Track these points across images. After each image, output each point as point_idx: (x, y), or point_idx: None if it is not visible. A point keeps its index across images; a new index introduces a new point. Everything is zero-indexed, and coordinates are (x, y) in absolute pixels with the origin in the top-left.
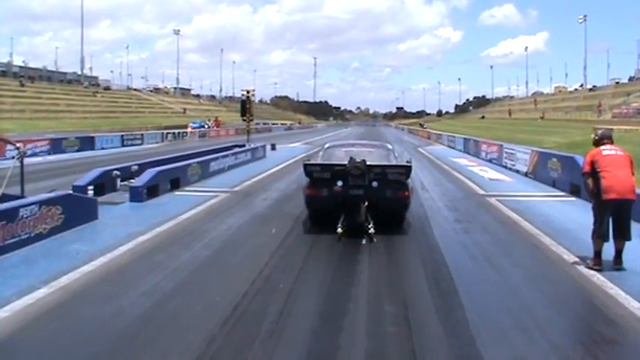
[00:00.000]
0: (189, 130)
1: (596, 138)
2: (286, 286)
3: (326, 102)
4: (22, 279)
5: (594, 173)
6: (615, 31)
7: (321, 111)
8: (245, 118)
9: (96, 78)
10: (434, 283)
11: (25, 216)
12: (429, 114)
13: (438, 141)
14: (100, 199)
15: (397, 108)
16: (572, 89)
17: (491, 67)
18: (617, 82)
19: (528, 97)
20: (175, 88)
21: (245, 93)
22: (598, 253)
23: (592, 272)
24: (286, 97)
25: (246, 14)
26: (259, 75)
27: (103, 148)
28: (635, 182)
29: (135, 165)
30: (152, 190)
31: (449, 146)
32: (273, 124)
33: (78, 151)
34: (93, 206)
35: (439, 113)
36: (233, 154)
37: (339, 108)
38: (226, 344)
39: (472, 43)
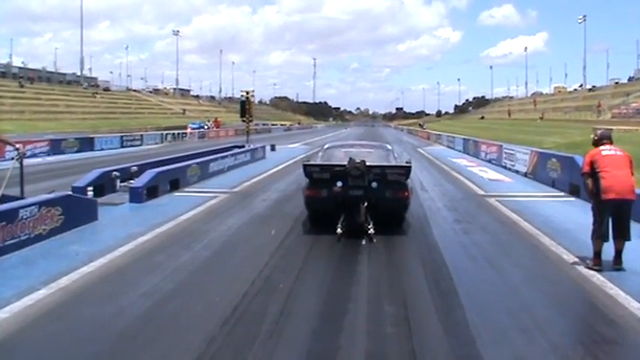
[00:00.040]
0: (188, 130)
1: (596, 138)
2: (286, 286)
3: (325, 103)
4: (21, 280)
5: (594, 173)
6: (615, 31)
7: (320, 112)
8: (244, 118)
9: (95, 79)
10: (434, 284)
11: (24, 217)
12: (429, 114)
13: (437, 141)
14: (99, 200)
15: (396, 108)
16: (571, 89)
17: (491, 67)
18: (617, 83)
19: (528, 98)
20: (175, 88)
21: (244, 94)
22: (598, 254)
23: (592, 272)
24: (286, 98)
25: (245, 15)
26: (259, 76)
27: (102, 149)
28: (634, 182)
29: (134, 166)
30: (152, 191)
31: (448, 147)
32: (273, 124)
33: (77, 152)
34: (92, 207)
35: (438, 114)
36: (232, 154)
37: (338, 109)
38: (226, 344)
39: (471, 43)
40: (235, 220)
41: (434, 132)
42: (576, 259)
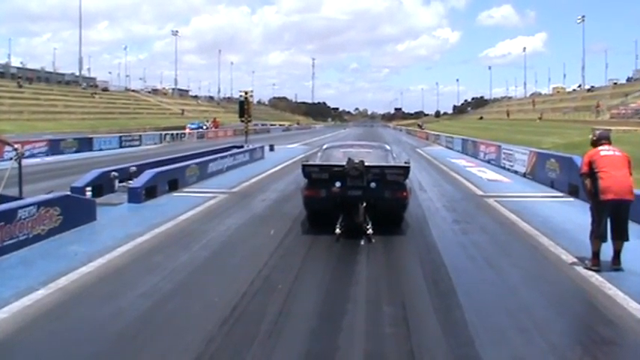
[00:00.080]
0: (187, 131)
1: (594, 139)
2: (285, 286)
3: (324, 103)
4: (20, 280)
5: (592, 174)
6: (613, 31)
7: (319, 112)
8: (243, 119)
9: (94, 79)
10: (432, 284)
11: (23, 217)
12: (427, 115)
13: (436, 142)
14: (98, 200)
15: (395, 109)
16: (570, 90)
17: (490, 67)
18: (615, 83)
19: (526, 98)
20: (173, 89)
21: (243, 94)
22: (596, 254)
23: (590, 273)
24: (284, 98)
25: (244, 15)
26: (257, 76)
27: (101, 149)
28: (632, 183)
29: (133, 166)
30: (150, 191)
31: (447, 147)
32: (272, 125)
33: (76, 152)
34: (91, 207)
35: (437, 114)
36: (231, 155)
37: (337, 109)
38: (225, 344)
39: (470, 43)
40: (234, 221)
41: (433, 132)
42: (575, 260)
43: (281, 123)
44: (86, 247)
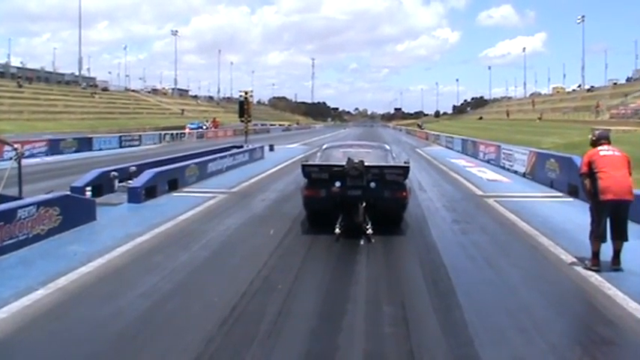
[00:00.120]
0: (187, 131)
1: (594, 139)
2: (285, 286)
3: (324, 103)
4: (20, 280)
5: (591, 174)
6: (613, 31)
7: (319, 112)
8: (243, 119)
9: (94, 79)
10: (432, 284)
11: (22, 217)
12: (427, 115)
13: (435, 142)
14: (98, 200)
15: (395, 109)
16: (570, 90)
17: (489, 67)
18: (615, 83)
19: (526, 98)
20: (173, 89)
21: (243, 94)
22: (596, 254)
23: (590, 273)
24: (284, 98)
25: (244, 15)
26: (257, 76)
27: (101, 149)
28: (632, 183)
29: (133, 166)
30: (150, 191)
31: (447, 147)
32: (271, 125)
33: (76, 152)
34: (91, 207)
35: (437, 114)
36: (231, 155)
37: (337, 109)
38: (225, 344)
39: (470, 43)
40: (234, 220)
41: (432, 132)
42: (575, 260)
43: (281, 123)
44: (86, 247)
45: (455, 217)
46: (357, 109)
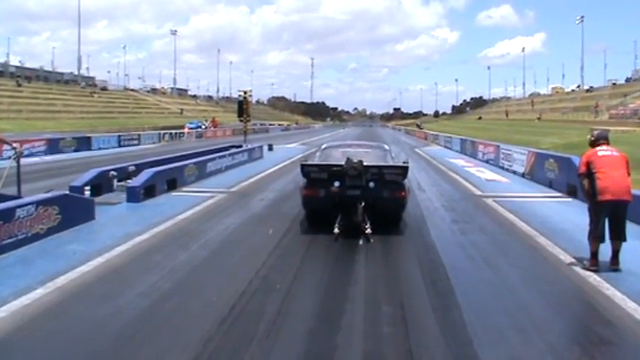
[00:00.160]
0: (186, 130)
1: (593, 139)
2: (283, 286)
3: (323, 103)
4: (19, 279)
5: (590, 174)
6: (612, 31)
7: (318, 112)
8: (242, 118)
9: (93, 78)
10: (431, 284)
11: (21, 216)
12: (426, 115)
13: (434, 142)
14: (97, 199)
15: (394, 109)
16: (569, 90)
17: (489, 67)
18: (614, 83)
19: (525, 98)
20: (172, 88)
21: (242, 93)
22: (594, 254)
23: (588, 273)
24: (283, 98)
25: (243, 15)
26: (256, 75)
27: (100, 149)
28: (630, 183)
29: (132, 165)
30: (149, 191)
31: (446, 147)
32: (270, 124)
33: (75, 151)
34: (90, 206)
35: (436, 114)
36: (230, 154)
37: (336, 109)
38: (223, 344)
39: (469, 43)
40: (233, 220)
41: (431, 132)
42: (573, 260)
43: (280, 123)
44: (85, 246)
45: (454, 217)
46: (356, 108)
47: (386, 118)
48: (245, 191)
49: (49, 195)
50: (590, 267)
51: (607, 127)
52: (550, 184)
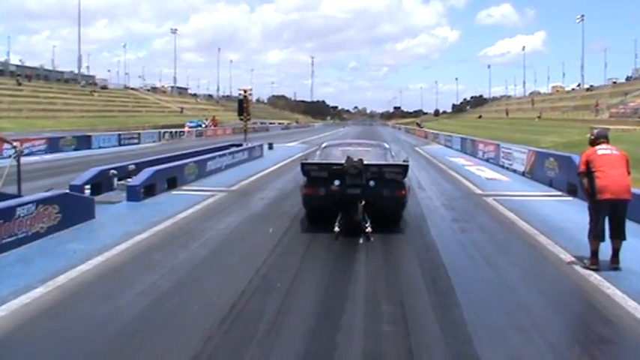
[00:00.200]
0: (186, 129)
1: (592, 138)
2: (284, 284)
3: (323, 101)
4: (19, 278)
5: (589, 173)
6: (613, 30)
7: (318, 110)
8: (242, 117)
9: (93, 77)
10: (431, 282)
11: (21, 215)
12: (426, 113)
13: (435, 140)
14: (97, 198)
15: (394, 107)
16: (569, 89)
17: (489, 66)
18: (615, 82)
19: (526, 97)
20: (173, 87)
21: (242, 92)
22: (595, 253)
23: (589, 272)
24: (283, 97)
25: (243, 13)
26: (256, 74)
27: (100, 147)
28: (630, 182)
29: (132, 164)
30: (149, 190)
31: (446, 146)
32: (271, 123)
33: (75, 150)
34: (90, 205)
35: (436, 113)
36: (230, 153)
37: (336, 107)
38: (223, 343)
39: (469, 42)
40: (233, 219)
41: (432, 131)
42: (573, 259)
43: (280, 121)
44: (85, 245)
45: (454, 215)
46: (356, 107)
47: (386, 116)
48: (245, 190)
49: (49, 194)
50: (590, 266)
51: (607, 126)
52: (550, 183)
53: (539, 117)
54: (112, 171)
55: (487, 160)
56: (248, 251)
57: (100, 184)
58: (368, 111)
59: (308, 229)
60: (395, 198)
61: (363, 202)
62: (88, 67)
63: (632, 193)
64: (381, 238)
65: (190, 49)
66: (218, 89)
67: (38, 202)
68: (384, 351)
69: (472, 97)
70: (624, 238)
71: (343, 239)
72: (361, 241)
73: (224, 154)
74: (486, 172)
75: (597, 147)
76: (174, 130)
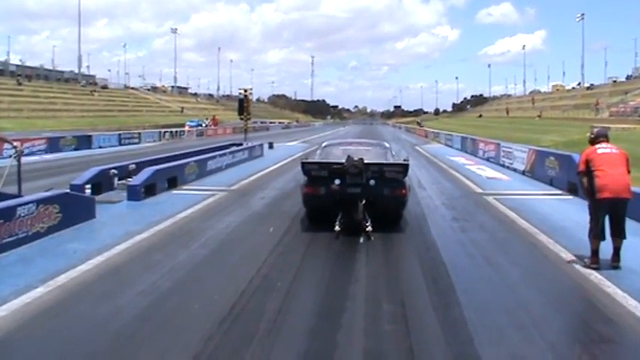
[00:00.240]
0: (186, 128)
1: (592, 136)
2: (284, 284)
3: (323, 101)
4: (19, 278)
5: (589, 172)
6: (613, 29)
7: (318, 110)
8: (242, 116)
9: (93, 77)
10: (431, 282)
11: (22, 215)
12: (427, 112)
13: (435, 139)
14: (97, 197)
15: (395, 106)
16: (569, 88)
17: (489, 65)
18: (615, 81)
19: (526, 96)
20: (173, 86)
21: (242, 92)
22: (595, 252)
23: (589, 271)
24: (284, 96)
25: (243, 13)
26: (257, 74)
27: (100, 147)
28: (630, 181)
29: (132, 164)
30: (149, 189)
31: (446, 145)
32: (271, 122)
33: (75, 149)
34: (90, 205)
35: (437, 112)
36: (230, 152)
37: (336, 106)
38: (224, 343)
39: (470, 41)
40: (233, 218)
41: (432, 130)
42: (574, 257)
43: (280, 121)
44: (85, 245)
45: (454, 214)
46: (356, 106)
47: (386, 115)
48: (245, 189)
49: (49, 194)
50: (590, 265)
51: (607, 125)
52: (551, 182)
53: (539, 116)
54: (113, 170)
55: (487, 159)
56: (248, 251)
57: (101, 183)
58: (368, 110)
59: (308, 228)
60: (395, 197)
61: (364, 202)
62: (88, 67)
63: (633, 192)
64: (382, 237)
65: (190, 48)
66: (218, 89)
67: (38, 202)
68: (385, 350)
69: (472, 96)
70: (624, 237)
71: (344, 238)
72: (362, 240)
73: (224, 154)
74: (487, 171)
75: (597, 146)
76: (174, 129)
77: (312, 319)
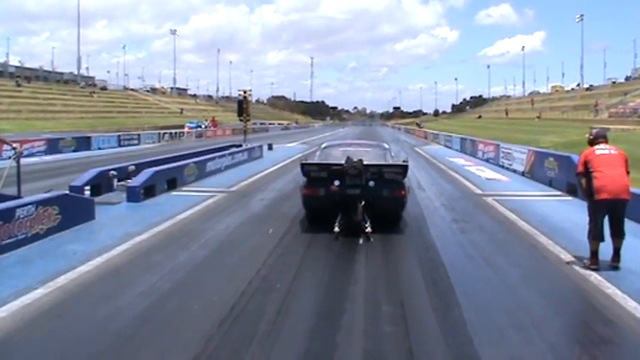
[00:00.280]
0: (186, 130)
1: (591, 137)
2: (283, 285)
3: (323, 102)
4: (19, 279)
5: (587, 173)
6: (612, 30)
7: (318, 111)
8: (242, 118)
9: (92, 78)
10: (431, 283)
11: (21, 216)
12: (426, 114)
13: (434, 141)
14: (96, 199)
15: (394, 108)
16: (568, 89)
17: (488, 66)
18: (614, 82)
19: (525, 97)
20: (172, 88)
21: (242, 93)
22: (594, 253)
23: (589, 272)
24: (283, 97)
25: (242, 14)
26: (256, 75)
27: (99, 149)
28: (628, 181)
29: (132, 165)
30: (149, 190)
31: (446, 146)
32: (270, 124)
33: (75, 151)
34: (90, 206)
35: (436, 113)
36: (230, 154)
37: (336, 108)
38: (224, 344)
39: (469, 42)
40: (233, 220)
41: (431, 131)
42: (573, 258)
43: (280, 122)
44: (85, 246)
45: (454, 215)
46: (356, 108)
47: (386, 117)
48: (245, 191)
49: (48, 195)
50: (590, 266)
51: (607, 126)
52: (550, 183)
53: (538, 117)
54: (112, 172)
55: (487, 160)
56: (248, 252)
57: (100, 185)
58: (368, 111)
59: (308, 229)
60: (395, 198)
61: (363, 203)
62: (87, 69)
63: (632, 193)
64: (381, 239)
65: (190, 50)
66: (218, 90)
67: (38, 204)
68: (384, 351)
69: (472, 98)
70: (624, 237)
71: (343, 240)
72: (361, 241)
73: (224, 155)
74: (486, 172)
75: (596, 147)
76: (173, 130)
77: (312, 320)
